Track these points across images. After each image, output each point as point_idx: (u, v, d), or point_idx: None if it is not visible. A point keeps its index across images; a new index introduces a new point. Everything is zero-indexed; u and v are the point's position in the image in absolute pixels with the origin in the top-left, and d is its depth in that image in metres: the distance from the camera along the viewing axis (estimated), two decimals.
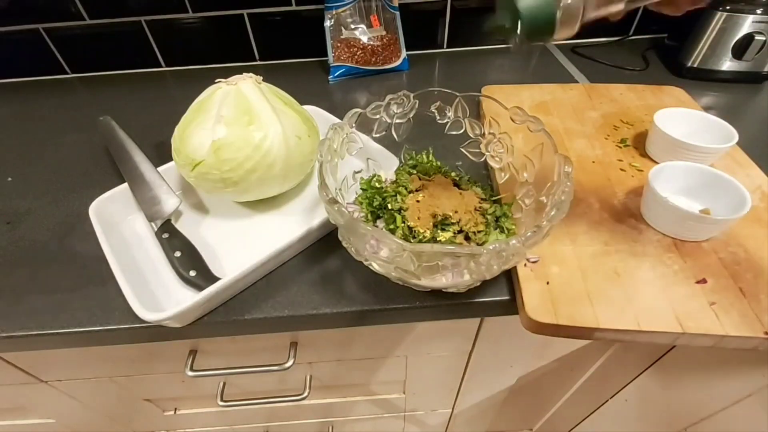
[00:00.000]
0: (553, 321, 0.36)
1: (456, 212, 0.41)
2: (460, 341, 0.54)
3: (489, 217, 0.43)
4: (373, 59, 0.77)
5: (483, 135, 0.47)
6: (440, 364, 0.59)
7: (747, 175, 0.50)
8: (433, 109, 0.47)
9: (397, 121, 0.47)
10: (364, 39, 0.76)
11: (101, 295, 0.42)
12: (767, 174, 0.50)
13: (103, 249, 0.41)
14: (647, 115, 0.60)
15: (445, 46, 0.84)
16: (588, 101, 0.64)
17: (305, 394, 0.57)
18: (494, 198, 0.45)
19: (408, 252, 0.31)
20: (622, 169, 0.52)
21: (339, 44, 0.76)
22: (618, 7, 0.30)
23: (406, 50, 0.79)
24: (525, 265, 0.40)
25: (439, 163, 0.49)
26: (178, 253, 0.43)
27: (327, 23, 0.75)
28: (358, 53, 0.76)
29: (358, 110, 0.43)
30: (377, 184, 0.46)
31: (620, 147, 0.55)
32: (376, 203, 0.43)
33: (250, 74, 0.47)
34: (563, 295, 0.38)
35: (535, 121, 0.41)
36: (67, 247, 0.47)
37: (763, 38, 0.66)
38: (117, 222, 0.47)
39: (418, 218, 0.41)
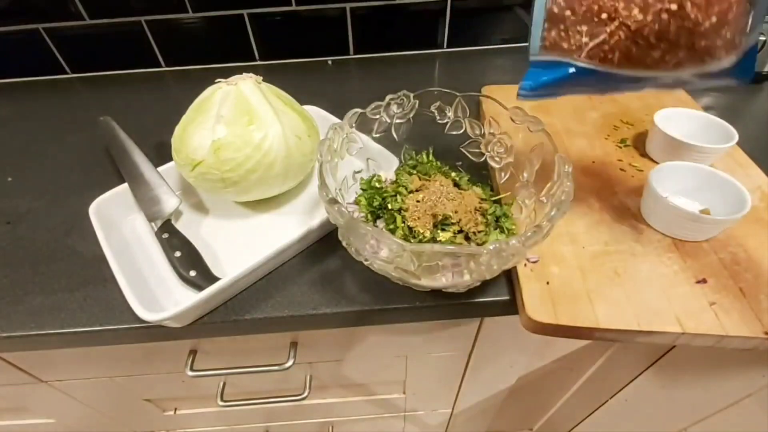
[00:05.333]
0: (553, 321, 0.36)
1: (456, 212, 0.41)
2: (460, 341, 0.54)
3: (489, 217, 0.43)
4: (660, 51, 0.29)
5: (483, 135, 0.47)
6: (440, 364, 0.59)
7: (747, 175, 0.50)
8: (433, 109, 0.47)
9: (397, 121, 0.47)
10: None
11: (101, 295, 0.42)
12: (767, 174, 0.50)
13: (103, 249, 0.41)
14: (647, 115, 0.60)
15: (445, 46, 0.84)
16: (588, 101, 0.64)
17: (305, 394, 0.57)
18: (494, 198, 0.45)
19: (408, 252, 0.31)
20: (622, 169, 0.52)
21: (562, 9, 0.30)
22: None
23: (406, 50, 0.76)
24: (525, 265, 0.40)
25: (439, 163, 0.49)
26: (178, 253, 0.43)
27: None
28: (618, 33, 0.29)
29: (358, 110, 0.44)
30: (377, 184, 0.46)
31: (620, 147, 0.55)
32: (376, 203, 0.43)
33: (250, 74, 0.47)
34: (563, 295, 0.38)
35: (535, 121, 0.41)
36: (67, 248, 0.47)
37: (763, 38, 0.66)
38: (117, 222, 0.47)
39: (418, 218, 0.41)
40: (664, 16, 0.26)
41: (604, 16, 0.28)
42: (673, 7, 0.26)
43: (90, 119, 0.63)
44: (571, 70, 0.31)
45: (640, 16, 0.27)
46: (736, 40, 0.27)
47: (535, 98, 0.33)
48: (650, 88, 0.32)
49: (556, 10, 0.30)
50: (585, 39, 0.29)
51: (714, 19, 0.26)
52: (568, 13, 0.29)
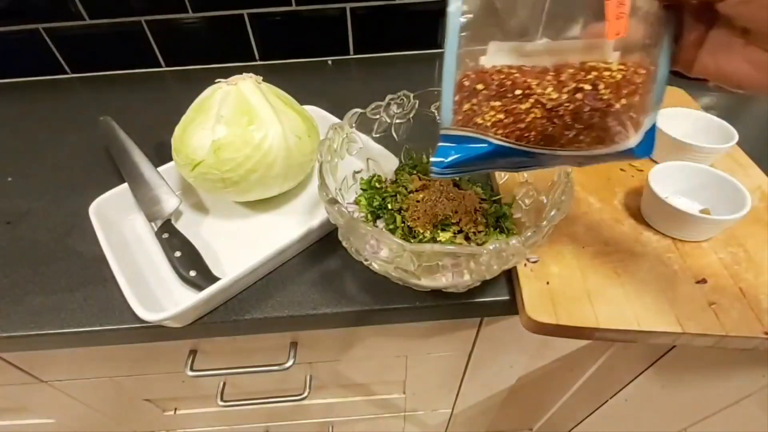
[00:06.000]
0: (553, 321, 0.36)
1: (456, 212, 0.41)
2: (460, 341, 0.54)
3: (489, 217, 0.43)
4: (575, 131, 0.27)
5: None
6: (440, 364, 0.59)
7: (747, 175, 0.50)
8: (433, 109, 0.47)
9: (397, 121, 0.47)
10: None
11: (101, 295, 0.42)
12: (767, 174, 0.50)
13: (103, 249, 0.41)
14: None
15: None
16: None
17: (305, 394, 0.57)
18: (494, 198, 0.45)
19: (408, 252, 0.31)
20: (622, 169, 0.52)
21: (474, 83, 0.28)
22: None
23: (406, 50, 0.76)
24: (525, 265, 0.40)
25: None
26: (178, 253, 0.43)
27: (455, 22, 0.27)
28: (534, 111, 0.27)
29: (358, 110, 0.44)
30: (377, 184, 0.46)
31: None
32: (376, 203, 0.43)
33: (250, 74, 0.47)
34: (563, 295, 0.38)
35: None
36: (67, 247, 0.47)
37: None
38: (117, 222, 0.47)
39: (418, 218, 0.41)
40: (579, 95, 0.26)
41: (518, 92, 0.27)
42: (587, 87, 0.25)
43: (90, 119, 0.63)
44: (487, 147, 0.29)
45: (554, 95, 0.26)
46: (641, 119, 0.27)
47: (451, 176, 0.31)
48: (563, 165, 0.31)
49: (467, 83, 0.28)
50: (500, 115, 0.27)
51: (624, 101, 0.25)
52: (480, 86, 0.27)
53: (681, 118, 0.53)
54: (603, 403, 0.67)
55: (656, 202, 0.42)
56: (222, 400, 0.56)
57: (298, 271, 0.44)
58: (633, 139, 0.27)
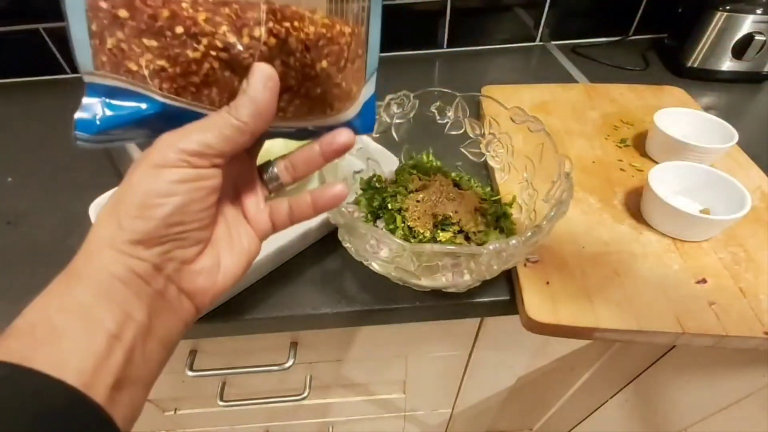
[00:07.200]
0: (553, 321, 0.36)
1: (456, 212, 0.41)
2: (460, 341, 0.54)
3: (489, 217, 0.43)
4: None
5: (483, 135, 0.48)
6: (440, 364, 0.59)
7: (747, 175, 0.50)
8: (433, 109, 0.47)
9: (397, 121, 0.47)
10: None
11: None
12: (767, 174, 0.50)
13: None
14: (647, 115, 0.60)
15: (445, 46, 0.84)
16: (588, 101, 0.64)
17: (305, 394, 0.56)
18: (494, 198, 0.45)
19: (408, 252, 0.31)
20: (622, 169, 0.52)
21: (115, 6, 0.19)
22: None
23: (406, 50, 0.76)
24: (525, 265, 0.40)
25: (439, 163, 0.49)
26: None
27: None
28: (210, 61, 0.21)
29: None
30: (377, 184, 0.46)
31: (620, 147, 0.55)
32: (376, 203, 0.43)
33: None
34: (563, 295, 0.38)
35: (535, 121, 0.41)
36: (67, 247, 0.47)
37: (763, 38, 0.66)
38: None
39: (418, 218, 0.41)
40: (272, 40, 0.20)
41: (179, 30, 0.19)
42: (280, 28, 0.20)
43: None
44: (150, 108, 0.21)
45: (231, 38, 0.19)
46: (354, 90, 0.23)
47: (104, 145, 0.22)
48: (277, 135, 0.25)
49: (104, 5, 0.19)
50: (161, 62, 0.20)
51: (325, 63, 0.21)
52: (123, 13, 0.19)
53: (681, 118, 0.53)
54: (603, 403, 0.67)
55: (656, 202, 0.42)
56: (222, 400, 0.56)
57: (298, 271, 0.44)
58: (349, 111, 0.24)
